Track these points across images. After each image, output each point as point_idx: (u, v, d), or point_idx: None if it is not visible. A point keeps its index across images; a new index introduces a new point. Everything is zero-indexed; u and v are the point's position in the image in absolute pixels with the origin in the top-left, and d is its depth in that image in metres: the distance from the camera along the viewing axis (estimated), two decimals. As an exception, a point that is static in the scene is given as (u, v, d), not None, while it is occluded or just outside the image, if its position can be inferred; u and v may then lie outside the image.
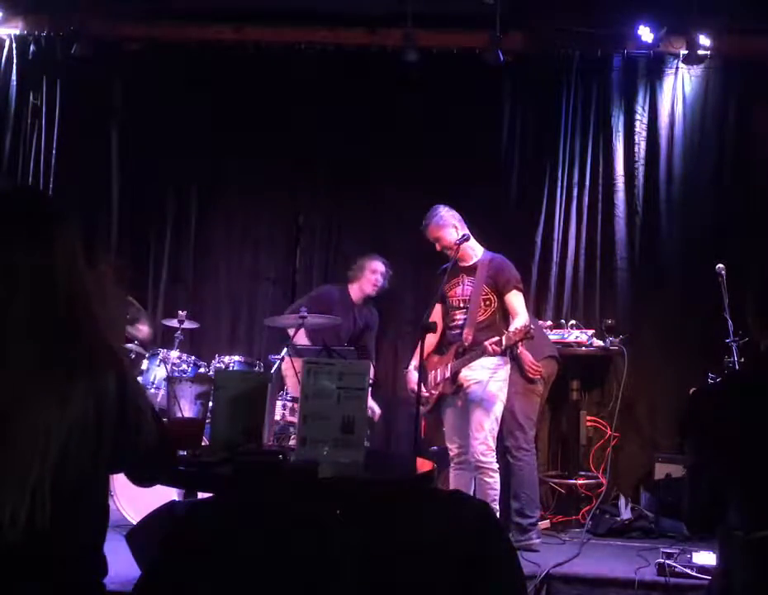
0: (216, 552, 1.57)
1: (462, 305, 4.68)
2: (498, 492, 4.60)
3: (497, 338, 4.40)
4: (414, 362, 4.74)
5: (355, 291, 5.73)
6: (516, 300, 4.62)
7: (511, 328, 4.45)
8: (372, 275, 5.66)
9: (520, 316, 4.55)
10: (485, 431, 4.52)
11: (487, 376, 4.55)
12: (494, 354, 4.42)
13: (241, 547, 1.58)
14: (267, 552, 1.60)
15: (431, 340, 4.72)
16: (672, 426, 5.85)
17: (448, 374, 4.60)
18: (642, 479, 5.79)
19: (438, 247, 4.79)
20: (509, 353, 4.66)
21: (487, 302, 4.63)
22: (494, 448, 4.57)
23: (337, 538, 1.62)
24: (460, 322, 4.66)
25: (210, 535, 1.60)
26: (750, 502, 2.14)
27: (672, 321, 5.92)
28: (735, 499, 2.16)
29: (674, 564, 4.21)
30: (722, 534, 2.22)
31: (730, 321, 4.96)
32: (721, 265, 5.05)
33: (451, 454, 4.73)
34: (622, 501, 5.48)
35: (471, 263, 4.74)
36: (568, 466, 5.77)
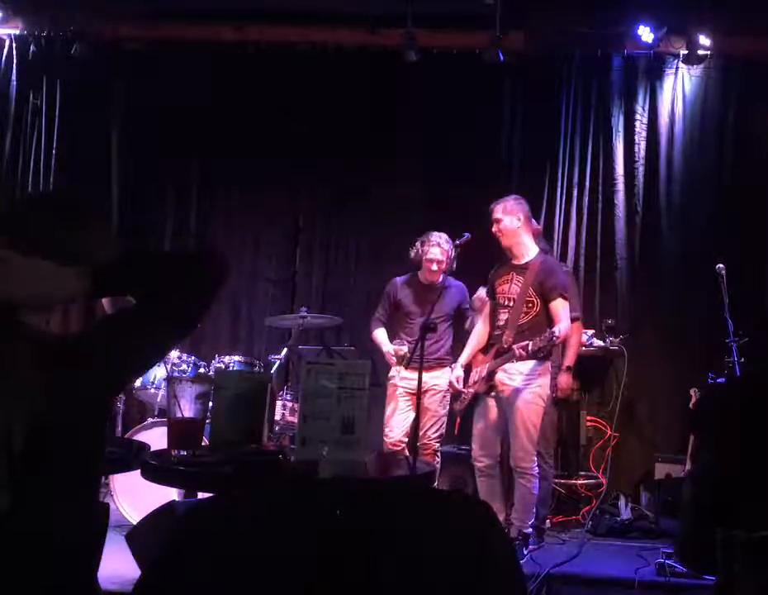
0: (216, 552, 1.57)
1: (506, 303, 4.57)
2: (536, 497, 4.56)
3: (526, 343, 4.33)
4: (462, 360, 4.71)
5: (423, 275, 5.23)
6: (560, 307, 4.48)
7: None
8: (428, 264, 5.14)
9: (562, 322, 4.43)
10: (522, 437, 4.47)
11: (524, 383, 4.47)
12: (520, 358, 4.36)
13: (241, 547, 1.58)
14: (267, 552, 1.60)
15: (480, 337, 4.71)
16: (672, 426, 5.85)
17: (484, 373, 4.55)
18: (642, 479, 5.80)
19: (494, 229, 4.61)
20: (551, 360, 4.59)
21: (530, 305, 4.50)
22: (533, 452, 4.52)
23: (337, 538, 1.62)
24: (502, 323, 4.56)
25: (210, 535, 1.60)
26: (752, 503, 2.14)
27: (672, 321, 5.92)
28: (741, 498, 2.16)
29: (674, 564, 4.20)
30: (724, 534, 2.22)
31: (730, 321, 4.96)
32: (721, 265, 5.05)
33: (473, 456, 4.66)
34: (622, 501, 5.48)
35: (522, 262, 4.60)
36: (568, 466, 5.77)
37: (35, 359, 1.61)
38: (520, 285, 4.53)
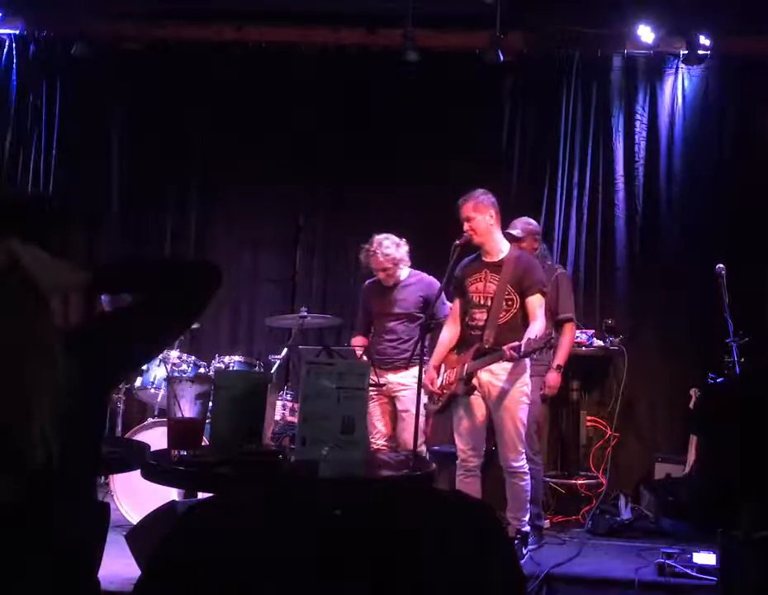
0: (216, 552, 1.57)
1: (482, 302, 4.47)
2: (529, 495, 4.54)
3: (516, 344, 4.22)
4: (434, 361, 4.61)
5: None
6: (537, 303, 4.41)
7: (531, 334, 4.26)
8: (375, 273, 5.13)
9: (538, 321, 4.37)
10: (512, 437, 4.43)
11: (510, 381, 4.42)
12: (511, 359, 4.26)
13: (241, 547, 1.58)
14: (267, 552, 1.60)
15: (450, 336, 4.61)
16: (672, 426, 5.86)
17: (463, 374, 4.43)
18: (642, 479, 5.80)
19: (465, 227, 4.49)
20: (540, 360, 4.59)
21: (509, 303, 4.43)
22: (523, 451, 4.49)
23: (337, 538, 1.62)
24: (480, 323, 4.45)
25: (210, 535, 1.60)
26: (754, 502, 2.14)
27: (672, 321, 5.93)
28: (741, 498, 2.16)
29: (674, 564, 4.21)
30: (723, 534, 2.23)
31: (730, 321, 4.96)
32: (721, 265, 5.04)
33: (459, 458, 4.57)
34: (622, 501, 5.48)
35: (496, 259, 4.49)
36: (568, 466, 5.78)
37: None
38: (496, 283, 4.44)
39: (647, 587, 4.21)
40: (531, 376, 4.59)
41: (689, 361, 5.76)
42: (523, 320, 4.43)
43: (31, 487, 1.56)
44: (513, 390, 4.43)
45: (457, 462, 4.58)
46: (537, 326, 4.35)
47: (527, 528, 4.55)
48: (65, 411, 1.59)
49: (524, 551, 4.49)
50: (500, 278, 4.45)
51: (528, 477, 4.52)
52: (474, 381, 4.45)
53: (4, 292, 1.58)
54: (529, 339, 4.23)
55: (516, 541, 4.42)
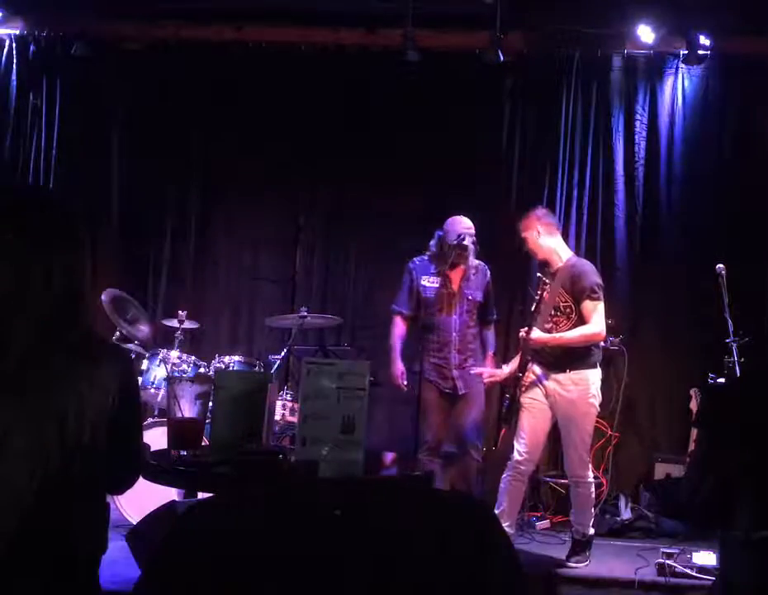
0: (216, 552, 1.57)
1: (543, 311, 4.52)
2: (593, 501, 4.57)
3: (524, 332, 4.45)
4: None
5: None
6: (588, 309, 4.46)
7: (567, 334, 4.43)
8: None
9: (586, 326, 4.44)
10: (578, 448, 4.47)
11: (577, 391, 4.45)
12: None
13: (241, 547, 1.58)
14: (266, 552, 1.60)
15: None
16: (672, 426, 5.86)
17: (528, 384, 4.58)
18: (642, 479, 5.80)
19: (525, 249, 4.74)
20: (601, 363, 4.61)
21: (568, 310, 4.49)
22: (589, 461, 4.54)
23: (337, 538, 1.62)
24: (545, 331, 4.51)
25: (210, 535, 1.60)
26: (754, 502, 2.14)
27: (672, 320, 5.92)
28: (741, 498, 2.16)
29: (674, 564, 4.21)
30: (723, 534, 2.23)
31: (730, 321, 4.96)
32: (721, 265, 5.04)
33: (513, 459, 4.55)
34: (622, 501, 5.48)
35: (553, 269, 4.61)
36: (568, 466, 5.77)
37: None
38: (551, 293, 4.50)
39: (647, 587, 4.22)
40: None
41: (689, 361, 5.76)
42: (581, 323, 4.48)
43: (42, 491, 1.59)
44: (580, 400, 4.45)
45: (509, 463, 4.59)
46: (578, 331, 4.42)
47: (591, 531, 4.58)
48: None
49: (588, 554, 4.54)
50: (554, 286, 4.51)
51: (593, 486, 4.54)
52: (545, 388, 4.52)
53: None
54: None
55: (581, 544, 4.51)
